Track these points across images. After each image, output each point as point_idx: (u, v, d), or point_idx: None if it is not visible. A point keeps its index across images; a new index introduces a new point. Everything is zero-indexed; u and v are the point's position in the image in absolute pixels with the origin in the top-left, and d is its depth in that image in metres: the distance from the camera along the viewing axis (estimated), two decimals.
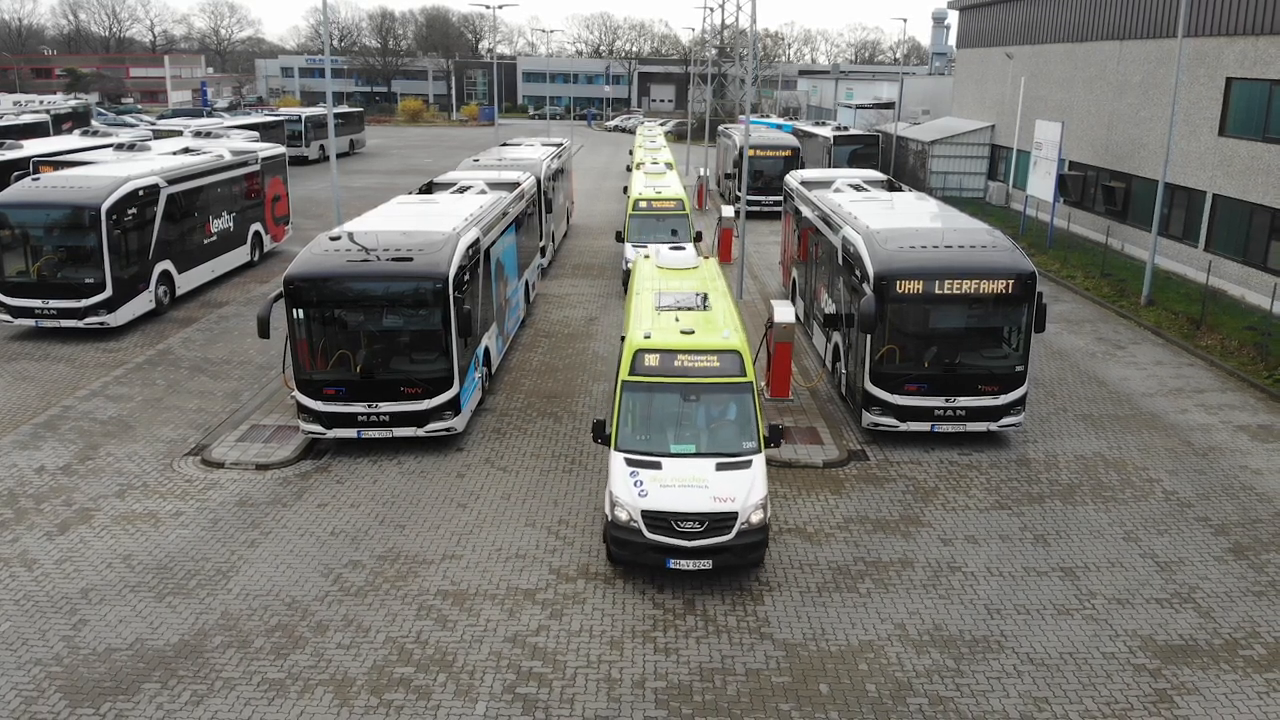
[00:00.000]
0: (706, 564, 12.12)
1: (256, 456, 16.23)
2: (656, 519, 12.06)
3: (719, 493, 12.13)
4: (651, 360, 13.05)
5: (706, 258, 18.04)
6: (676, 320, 13.88)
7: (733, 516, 12.04)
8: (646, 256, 17.99)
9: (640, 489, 12.22)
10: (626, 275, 26.56)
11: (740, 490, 12.18)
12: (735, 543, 12.08)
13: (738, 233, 28.35)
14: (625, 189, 39.89)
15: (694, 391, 13.08)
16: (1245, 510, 15.04)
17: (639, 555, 12.28)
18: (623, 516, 12.21)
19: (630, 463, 12.56)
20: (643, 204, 28.31)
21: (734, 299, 16.04)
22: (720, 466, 12.47)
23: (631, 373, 13.03)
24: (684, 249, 17.81)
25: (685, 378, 13.00)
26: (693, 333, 13.40)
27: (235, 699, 10.33)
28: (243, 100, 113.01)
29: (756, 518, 12.17)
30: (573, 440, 17.31)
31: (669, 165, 35.15)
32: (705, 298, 14.98)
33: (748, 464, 12.55)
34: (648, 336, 13.26)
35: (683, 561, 12.08)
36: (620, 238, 28.19)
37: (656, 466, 12.46)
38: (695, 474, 12.36)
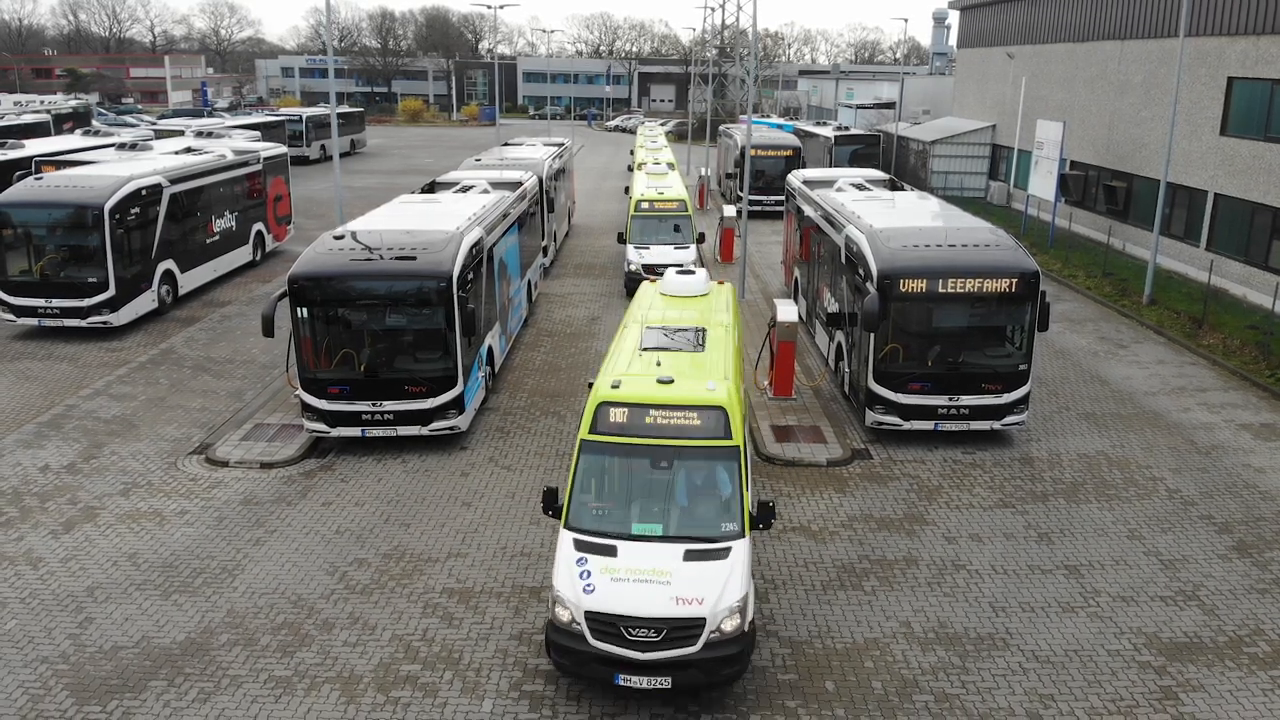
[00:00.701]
0: (664, 682, 9.75)
1: (261, 455, 16.25)
2: (602, 623, 9.75)
3: (683, 591, 9.76)
4: (618, 416, 10.72)
5: (720, 283, 16.15)
6: (657, 364, 11.59)
7: (699, 623, 9.67)
8: (653, 281, 16.16)
9: (586, 582, 9.89)
10: (628, 276, 26.63)
11: (711, 588, 9.80)
12: (701, 656, 9.69)
13: (739, 232, 28.40)
14: (626, 189, 39.90)
15: (666, 456, 10.69)
16: (1248, 508, 15.06)
17: (582, 666, 9.97)
18: (564, 617, 9.93)
19: (580, 545, 10.24)
20: (645, 204, 28.32)
21: (740, 338, 14.25)
22: (690, 555, 10.08)
23: (592, 430, 10.80)
24: (694, 273, 15.74)
25: (657, 439, 10.62)
26: (671, 382, 11.00)
27: (242, 696, 10.35)
28: (243, 100, 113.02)
29: (730, 625, 9.77)
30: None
31: (671, 165, 35.09)
32: (703, 335, 12.79)
33: (725, 553, 10.14)
34: (615, 386, 10.95)
35: (634, 678, 9.75)
36: (622, 239, 28.22)
37: (610, 553, 10.12)
38: (656, 564, 9.98)
